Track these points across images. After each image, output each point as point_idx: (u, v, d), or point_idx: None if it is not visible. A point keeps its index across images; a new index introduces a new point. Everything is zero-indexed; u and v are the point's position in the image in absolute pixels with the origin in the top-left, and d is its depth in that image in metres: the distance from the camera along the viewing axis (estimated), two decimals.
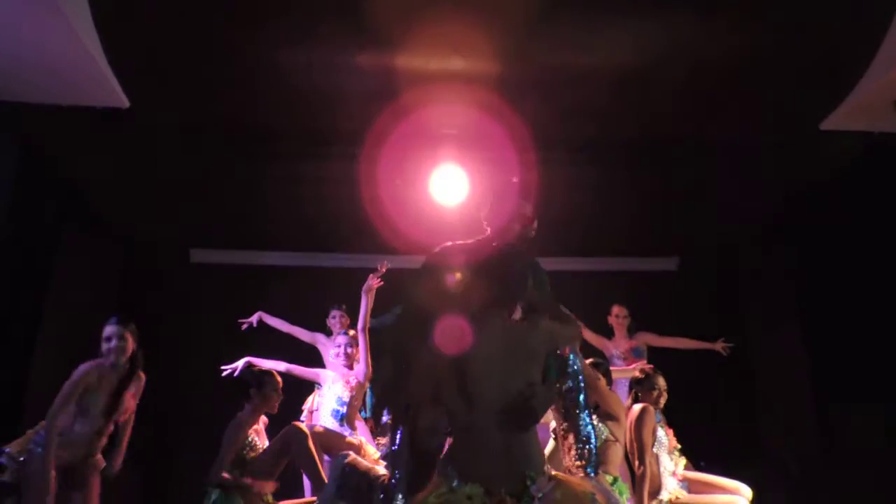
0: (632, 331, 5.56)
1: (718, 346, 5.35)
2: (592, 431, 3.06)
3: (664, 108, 4.76)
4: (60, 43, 3.79)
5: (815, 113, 4.55)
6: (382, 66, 4.47)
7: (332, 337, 5.12)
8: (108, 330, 3.74)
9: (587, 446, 2.99)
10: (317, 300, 5.54)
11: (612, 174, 5.54)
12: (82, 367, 3.66)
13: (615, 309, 5.57)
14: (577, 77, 4.47)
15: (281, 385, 4.06)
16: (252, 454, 3.90)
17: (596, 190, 5.41)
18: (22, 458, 3.51)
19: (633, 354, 5.44)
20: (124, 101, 4.31)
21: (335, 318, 5.29)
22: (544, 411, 2.14)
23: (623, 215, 5.96)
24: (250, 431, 3.96)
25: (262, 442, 4.10)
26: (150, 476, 5.46)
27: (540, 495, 1.91)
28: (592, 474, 2.94)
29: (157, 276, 6.21)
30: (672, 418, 4.69)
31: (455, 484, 1.95)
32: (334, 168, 5.62)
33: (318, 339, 5.27)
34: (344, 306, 5.31)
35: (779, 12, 4.02)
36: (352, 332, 4.90)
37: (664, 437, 4.27)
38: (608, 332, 5.60)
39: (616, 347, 5.46)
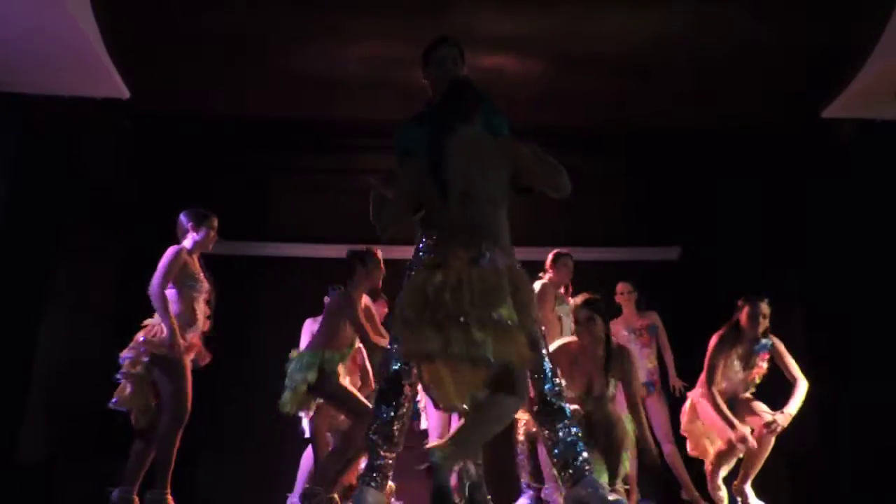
0: (641, 307, 5.39)
1: (677, 384, 5.09)
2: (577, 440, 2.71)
3: (665, 96, 4.76)
4: (61, 34, 3.80)
5: (816, 101, 4.54)
6: (377, 55, 4.48)
7: None
8: (215, 221, 3.92)
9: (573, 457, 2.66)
10: (320, 291, 5.54)
11: (612, 164, 5.54)
12: (171, 249, 3.80)
13: (619, 286, 5.37)
14: (576, 65, 4.47)
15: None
16: None
17: (597, 180, 5.40)
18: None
19: (648, 332, 5.18)
20: (125, 92, 4.31)
21: None
22: (501, 194, 2.54)
23: (624, 205, 5.96)
24: None
25: None
26: (151, 467, 5.49)
27: (487, 255, 2.34)
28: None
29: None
30: (677, 407, 4.69)
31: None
32: (335, 158, 5.63)
33: None
34: (342, 288, 5.27)
35: (779, 0, 4.02)
36: None
37: None
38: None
39: (627, 324, 5.20)
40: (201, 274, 3.90)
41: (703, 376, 4.16)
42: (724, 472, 4.18)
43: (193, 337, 3.81)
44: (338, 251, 6.64)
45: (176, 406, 3.69)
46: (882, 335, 4.77)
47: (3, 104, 4.23)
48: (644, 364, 4.98)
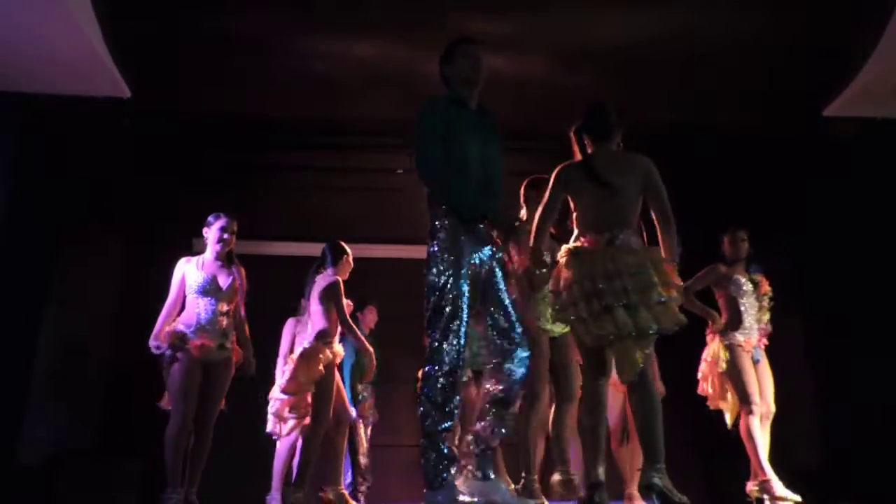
0: None
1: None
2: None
3: (665, 93, 4.75)
4: (62, 33, 3.79)
5: (817, 99, 4.53)
6: (378, 54, 4.48)
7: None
8: (223, 223, 3.95)
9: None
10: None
11: None
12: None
13: None
14: (576, 65, 4.47)
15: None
16: None
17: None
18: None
19: None
20: (126, 91, 4.30)
21: None
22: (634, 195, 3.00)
23: None
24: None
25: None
26: (154, 465, 5.49)
27: (620, 238, 2.85)
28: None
29: (158, 265, 6.21)
30: (673, 404, 4.68)
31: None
32: (336, 157, 5.64)
33: None
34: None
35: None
36: None
37: None
38: None
39: None
40: (210, 275, 3.93)
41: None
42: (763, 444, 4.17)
43: (199, 338, 3.83)
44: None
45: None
46: (883, 335, 4.76)
47: (4, 103, 4.23)
48: None
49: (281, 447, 4.70)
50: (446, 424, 2.58)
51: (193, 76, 4.63)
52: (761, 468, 4.10)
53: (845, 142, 4.88)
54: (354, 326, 4.39)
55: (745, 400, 4.20)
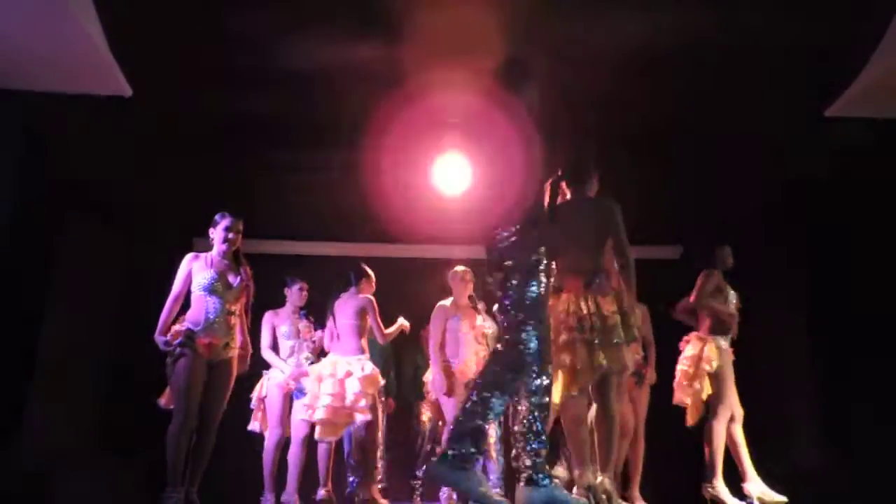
0: None
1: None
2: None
3: (667, 94, 4.75)
4: (63, 31, 3.77)
5: (820, 99, 4.52)
6: (385, 54, 4.48)
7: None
8: (228, 222, 4.02)
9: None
10: (318, 288, 5.55)
11: (614, 162, 5.52)
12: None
13: None
14: (575, 65, 4.46)
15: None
16: None
17: (598, 178, 5.39)
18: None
19: None
20: (127, 90, 4.30)
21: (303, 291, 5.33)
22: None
23: (625, 203, 5.94)
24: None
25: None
26: (156, 463, 5.49)
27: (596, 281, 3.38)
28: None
29: (160, 264, 6.21)
30: (675, 409, 4.72)
31: None
32: (336, 157, 5.63)
33: None
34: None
35: None
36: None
37: None
38: None
39: None
40: (218, 273, 3.93)
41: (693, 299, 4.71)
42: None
43: (207, 337, 3.83)
44: (338, 249, 6.73)
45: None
46: (884, 335, 4.75)
47: (4, 102, 4.22)
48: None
49: (269, 444, 4.82)
50: None
51: (195, 74, 4.62)
52: (718, 470, 4.28)
53: (847, 142, 4.88)
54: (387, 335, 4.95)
55: (725, 404, 4.36)
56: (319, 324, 5.17)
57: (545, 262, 2.94)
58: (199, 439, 3.81)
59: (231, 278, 3.94)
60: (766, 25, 4.15)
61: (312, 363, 4.99)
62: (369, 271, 5.08)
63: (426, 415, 5.93)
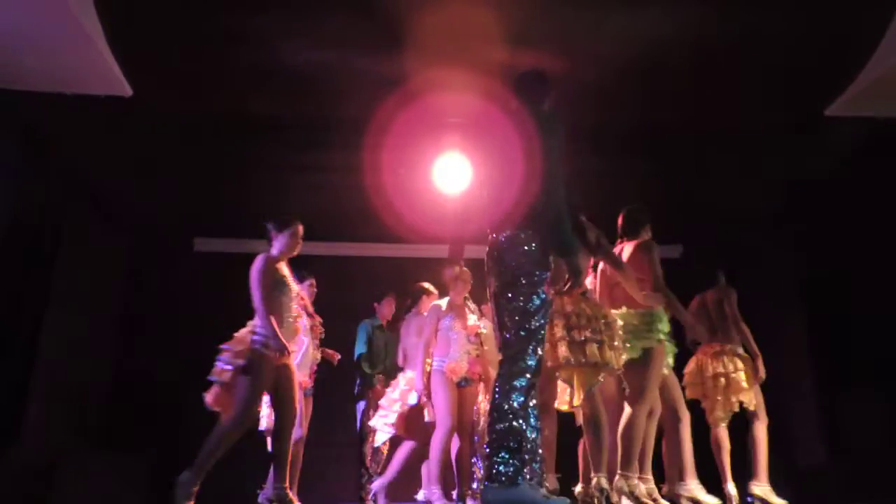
0: None
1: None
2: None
3: (667, 94, 4.75)
4: (63, 32, 3.77)
5: (819, 99, 4.52)
6: (387, 55, 4.48)
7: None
8: (298, 228, 3.97)
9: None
10: (319, 287, 5.55)
11: (614, 162, 5.53)
12: (258, 259, 3.82)
13: None
14: (576, 65, 4.46)
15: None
16: None
17: (598, 178, 5.40)
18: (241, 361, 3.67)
19: None
20: (127, 90, 4.30)
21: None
22: None
23: (626, 203, 5.94)
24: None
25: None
26: (156, 463, 5.50)
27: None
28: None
29: (160, 264, 6.22)
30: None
31: None
32: (337, 157, 5.63)
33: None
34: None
35: None
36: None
37: None
38: None
39: None
40: (289, 279, 3.94)
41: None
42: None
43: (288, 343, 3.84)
44: (336, 248, 6.74)
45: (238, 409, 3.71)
46: (884, 335, 4.76)
47: (4, 102, 4.22)
48: None
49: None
50: None
51: (195, 74, 4.62)
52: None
53: (847, 141, 4.88)
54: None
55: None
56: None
57: (548, 269, 2.84)
58: (285, 442, 3.85)
59: (294, 284, 4.04)
60: (766, 25, 4.15)
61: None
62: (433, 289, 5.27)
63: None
